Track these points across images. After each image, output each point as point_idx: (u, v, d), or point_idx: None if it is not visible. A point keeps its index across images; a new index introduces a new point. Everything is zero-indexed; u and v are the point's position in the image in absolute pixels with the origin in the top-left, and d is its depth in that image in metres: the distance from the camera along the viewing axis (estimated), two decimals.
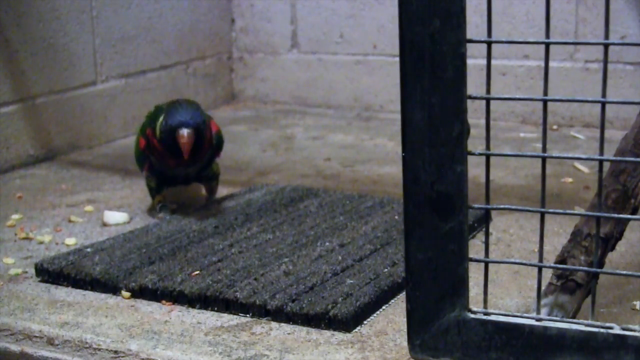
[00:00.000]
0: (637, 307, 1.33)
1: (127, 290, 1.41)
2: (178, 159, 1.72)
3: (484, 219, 1.64)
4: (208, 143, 1.74)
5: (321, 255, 1.51)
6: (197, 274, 1.43)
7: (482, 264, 1.07)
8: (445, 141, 1.02)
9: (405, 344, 1.12)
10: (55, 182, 2.12)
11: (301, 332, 1.27)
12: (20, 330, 1.32)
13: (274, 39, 2.98)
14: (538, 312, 1.06)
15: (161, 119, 1.71)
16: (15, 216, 1.83)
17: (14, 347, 1.32)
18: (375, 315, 1.32)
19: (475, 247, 1.55)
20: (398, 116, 1.05)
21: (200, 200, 1.90)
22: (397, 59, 1.03)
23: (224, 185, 1.97)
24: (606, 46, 0.96)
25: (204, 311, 1.35)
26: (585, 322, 1.02)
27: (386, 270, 1.43)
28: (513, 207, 1.07)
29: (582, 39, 2.55)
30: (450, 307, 1.06)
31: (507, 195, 1.92)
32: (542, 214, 1.03)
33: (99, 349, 1.26)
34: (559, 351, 1.02)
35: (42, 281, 1.49)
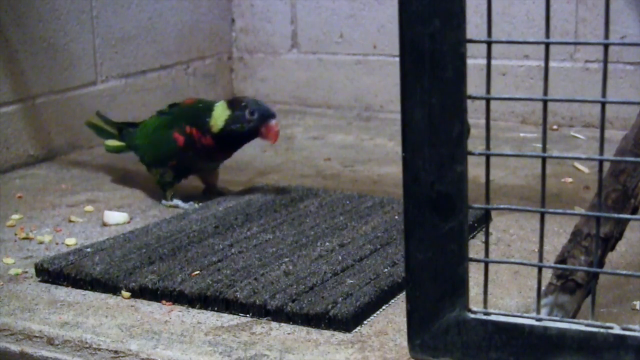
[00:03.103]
0: (637, 307, 1.33)
1: (127, 290, 1.41)
2: (225, 152, 1.86)
3: (484, 219, 1.64)
4: None
5: (321, 255, 1.51)
6: (197, 274, 1.43)
7: (482, 264, 1.07)
8: (445, 141, 1.02)
9: (405, 344, 1.12)
10: (55, 182, 2.12)
11: (301, 332, 1.27)
12: (20, 330, 1.32)
13: (274, 39, 2.98)
14: (538, 312, 1.06)
15: (227, 114, 1.78)
16: (15, 216, 1.83)
17: (14, 347, 1.32)
18: (375, 315, 1.32)
19: (475, 247, 1.55)
20: (398, 116, 1.05)
21: (199, 195, 1.90)
22: (397, 59, 1.03)
23: (224, 185, 1.98)
24: (606, 46, 0.96)
25: (204, 311, 1.35)
26: (585, 322, 1.02)
27: (386, 270, 1.43)
28: (513, 207, 1.07)
29: (582, 39, 2.54)
30: (450, 307, 1.06)
31: (507, 195, 1.92)
32: (542, 214, 1.03)
33: (99, 349, 1.26)
34: (559, 351, 1.02)
35: (42, 281, 1.49)
